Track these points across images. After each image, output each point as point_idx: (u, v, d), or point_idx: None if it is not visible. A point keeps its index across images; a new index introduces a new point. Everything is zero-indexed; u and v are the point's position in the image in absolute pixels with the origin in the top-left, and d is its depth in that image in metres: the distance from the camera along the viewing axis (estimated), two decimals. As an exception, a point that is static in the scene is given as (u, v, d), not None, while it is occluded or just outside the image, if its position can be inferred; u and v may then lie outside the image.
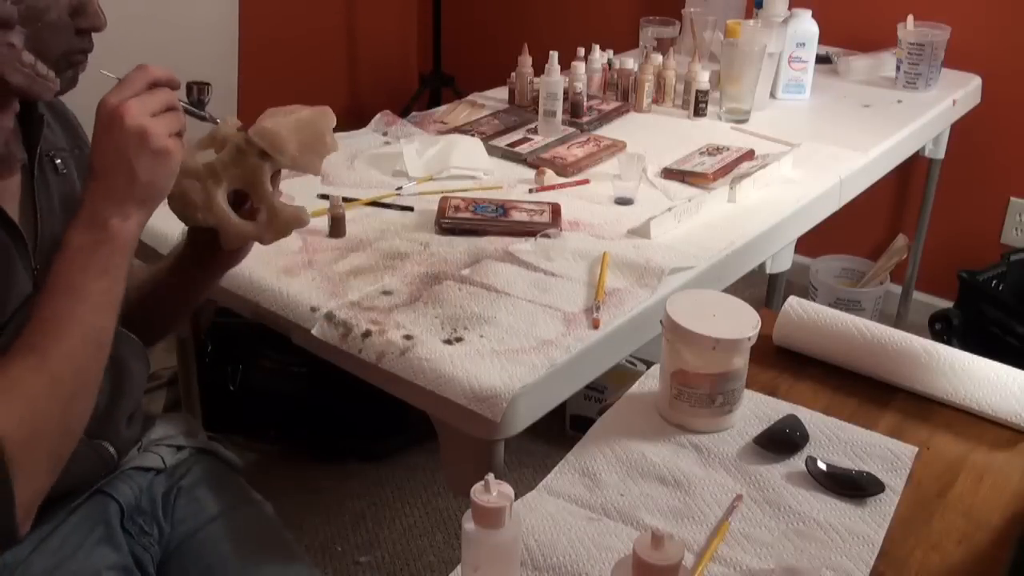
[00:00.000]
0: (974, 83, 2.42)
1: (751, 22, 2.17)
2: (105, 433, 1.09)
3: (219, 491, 1.19)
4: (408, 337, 1.18)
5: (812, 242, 2.30)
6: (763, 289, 2.42)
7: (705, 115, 2.05)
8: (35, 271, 0.96)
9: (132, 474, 1.15)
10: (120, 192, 0.88)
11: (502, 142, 1.84)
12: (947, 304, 2.49)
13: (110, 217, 0.88)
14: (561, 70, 1.87)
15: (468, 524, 0.77)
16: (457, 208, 1.51)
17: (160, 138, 0.87)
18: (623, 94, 2.12)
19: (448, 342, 1.18)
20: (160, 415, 1.26)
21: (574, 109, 1.98)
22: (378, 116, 1.96)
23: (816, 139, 1.92)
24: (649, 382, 1.15)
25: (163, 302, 1.16)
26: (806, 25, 2.15)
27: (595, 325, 1.23)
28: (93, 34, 0.93)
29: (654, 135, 1.95)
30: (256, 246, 1.08)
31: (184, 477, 1.19)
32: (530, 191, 1.65)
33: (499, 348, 1.17)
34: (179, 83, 0.95)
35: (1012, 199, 2.61)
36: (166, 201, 0.96)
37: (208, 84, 0.99)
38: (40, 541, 1.04)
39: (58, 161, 1.02)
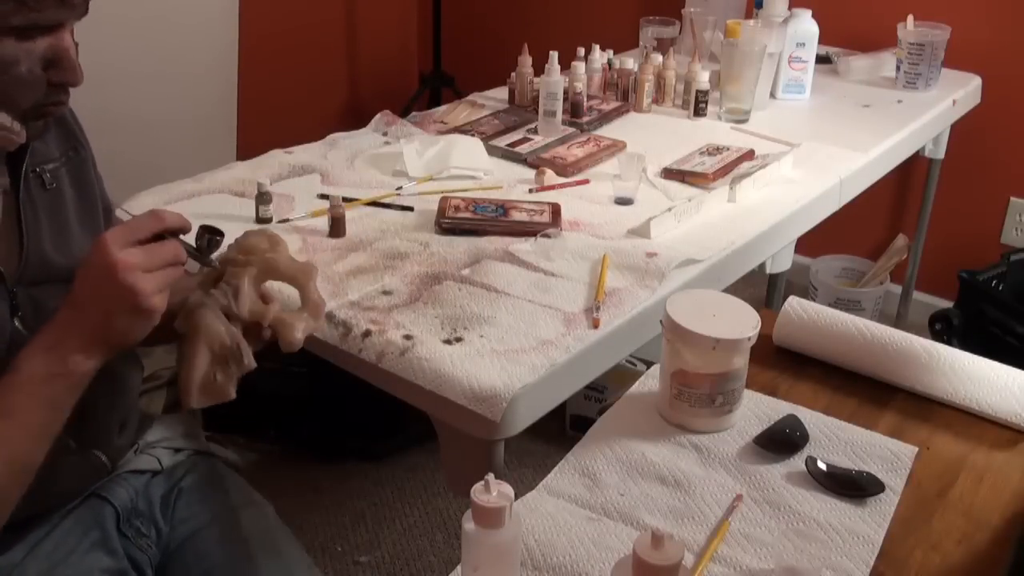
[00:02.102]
0: (974, 83, 2.42)
1: (751, 22, 2.17)
2: (97, 442, 1.08)
3: (220, 493, 1.18)
4: (408, 337, 1.18)
5: (812, 242, 2.30)
6: (763, 289, 2.43)
7: (705, 115, 2.05)
8: (12, 293, 0.94)
9: (128, 477, 1.15)
10: (90, 333, 0.86)
11: (502, 142, 1.84)
12: (947, 304, 2.49)
13: (72, 353, 0.86)
14: (561, 70, 1.87)
15: (468, 524, 0.77)
16: (457, 208, 1.51)
17: (147, 298, 0.85)
18: (623, 94, 2.12)
19: (448, 342, 1.18)
20: (159, 416, 1.26)
21: (574, 109, 1.98)
22: (378, 116, 1.96)
23: (816, 139, 1.92)
24: (649, 382, 1.15)
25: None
26: (806, 25, 2.15)
27: (595, 325, 1.23)
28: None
29: (654, 135, 1.95)
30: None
31: (184, 478, 1.18)
32: (530, 191, 1.65)
33: (499, 348, 1.17)
34: (190, 227, 0.93)
35: (1012, 199, 2.61)
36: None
37: (221, 235, 0.96)
38: (34, 545, 1.04)
39: (47, 176, 1.00)
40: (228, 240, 0.98)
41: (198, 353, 0.94)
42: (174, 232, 0.90)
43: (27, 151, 0.96)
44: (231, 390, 0.95)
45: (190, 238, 0.94)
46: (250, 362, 0.95)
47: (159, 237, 0.89)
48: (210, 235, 0.95)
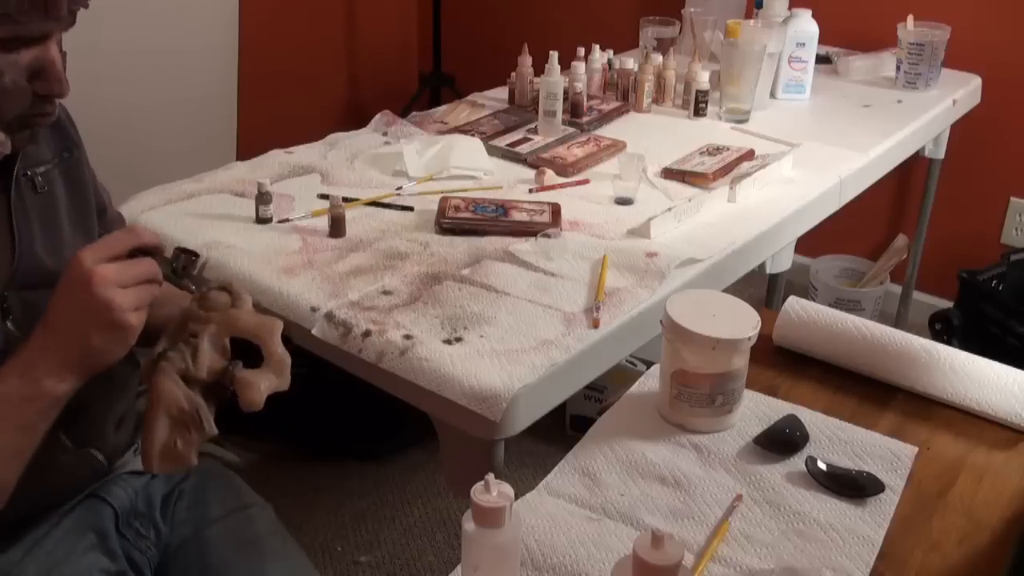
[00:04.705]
0: (974, 83, 2.42)
1: (751, 22, 2.17)
2: (92, 440, 1.08)
3: (220, 494, 1.18)
4: (408, 337, 1.18)
5: (812, 242, 2.30)
6: (763, 289, 2.42)
7: (705, 115, 2.05)
8: (3, 297, 0.94)
9: (127, 478, 1.14)
10: (65, 354, 0.85)
11: (502, 142, 1.84)
12: (947, 304, 2.49)
13: (46, 376, 0.85)
14: (561, 70, 1.87)
15: (468, 524, 0.77)
16: (457, 208, 1.51)
17: (123, 312, 0.84)
18: (623, 94, 2.12)
19: (448, 342, 1.18)
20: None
21: (574, 109, 1.98)
22: (378, 116, 1.96)
23: (816, 139, 1.92)
24: (649, 382, 1.15)
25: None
26: (806, 25, 2.15)
27: (595, 325, 1.23)
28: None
29: (654, 135, 1.95)
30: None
31: (184, 480, 1.18)
32: (530, 191, 1.65)
33: (499, 348, 1.17)
34: (164, 247, 0.91)
35: (1012, 199, 2.61)
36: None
37: (197, 256, 0.94)
38: (33, 545, 1.03)
39: (38, 179, 0.99)
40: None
41: (157, 420, 0.90)
42: (149, 250, 0.89)
43: (18, 154, 0.96)
44: (192, 457, 0.91)
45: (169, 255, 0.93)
46: (210, 428, 0.92)
47: (137, 254, 0.88)
48: (185, 256, 0.93)
